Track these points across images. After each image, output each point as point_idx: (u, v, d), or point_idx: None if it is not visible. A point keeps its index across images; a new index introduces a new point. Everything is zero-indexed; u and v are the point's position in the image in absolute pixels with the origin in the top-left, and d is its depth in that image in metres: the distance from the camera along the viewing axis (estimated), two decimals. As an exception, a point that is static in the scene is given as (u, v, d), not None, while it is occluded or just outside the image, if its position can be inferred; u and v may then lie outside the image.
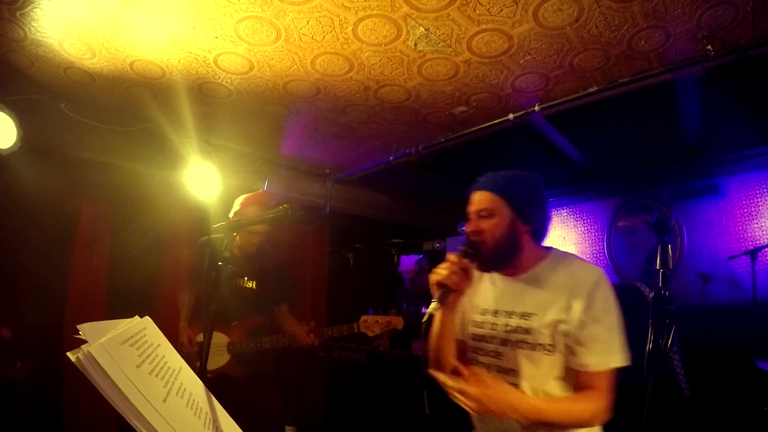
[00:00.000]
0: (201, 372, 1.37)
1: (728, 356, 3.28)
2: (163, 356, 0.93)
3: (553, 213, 4.91)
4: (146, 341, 0.91)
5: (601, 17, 2.08)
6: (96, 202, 3.29)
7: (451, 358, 1.45)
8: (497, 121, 3.11)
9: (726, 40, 2.19)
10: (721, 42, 2.19)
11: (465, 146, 3.49)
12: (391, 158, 3.79)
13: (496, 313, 1.44)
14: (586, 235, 4.73)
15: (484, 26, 2.15)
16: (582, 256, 1.72)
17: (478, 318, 1.48)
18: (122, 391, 0.71)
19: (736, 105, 2.97)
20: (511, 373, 1.36)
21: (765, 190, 3.72)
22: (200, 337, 2.67)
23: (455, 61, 2.44)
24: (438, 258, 3.87)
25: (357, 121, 3.25)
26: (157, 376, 0.85)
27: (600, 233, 4.57)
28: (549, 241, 1.56)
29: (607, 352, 1.27)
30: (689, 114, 2.99)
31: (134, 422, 0.71)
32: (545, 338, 1.32)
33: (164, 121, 3.12)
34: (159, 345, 0.96)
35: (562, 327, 1.30)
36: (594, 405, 1.26)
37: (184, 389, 0.91)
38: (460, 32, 2.19)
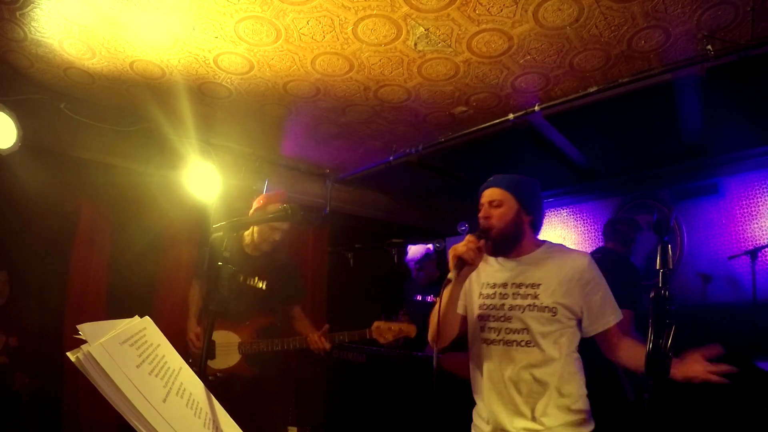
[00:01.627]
0: (201, 372, 1.37)
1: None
2: (163, 356, 0.93)
3: (552, 213, 4.91)
4: (146, 341, 0.91)
5: (601, 17, 2.08)
6: (96, 203, 3.28)
7: (454, 329, 1.74)
8: (497, 121, 3.10)
9: (726, 40, 2.19)
10: (721, 42, 2.19)
11: (465, 146, 3.48)
12: (391, 158, 3.79)
13: (504, 285, 1.72)
14: (586, 235, 4.72)
15: (484, 26, 2.15)
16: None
17: (488, 291, 1.75)
18: (122, 391, 0.71)
19: (736, 105, 2.96)
20: (522, 332, 1.63)
21: (765, 190, 3.72)
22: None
23: (455, 61, 2.44)
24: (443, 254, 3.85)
25: (357, 121, 3.25)
26: (156, 376, 0.85)
27: (600, 233, 4.56)
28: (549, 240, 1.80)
29: (616, 307, 1.65)
30: (689, 114, 2.99)
31: (134, 422, 0.71)
32: (550, 304, 1.61)
33: (164, 121, 3.11)
34: (159, 345, 0.96)
35: (566, 301, 1.61)
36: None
37: (184, 389, 0.91)
38: (460, 32, 2.19)
